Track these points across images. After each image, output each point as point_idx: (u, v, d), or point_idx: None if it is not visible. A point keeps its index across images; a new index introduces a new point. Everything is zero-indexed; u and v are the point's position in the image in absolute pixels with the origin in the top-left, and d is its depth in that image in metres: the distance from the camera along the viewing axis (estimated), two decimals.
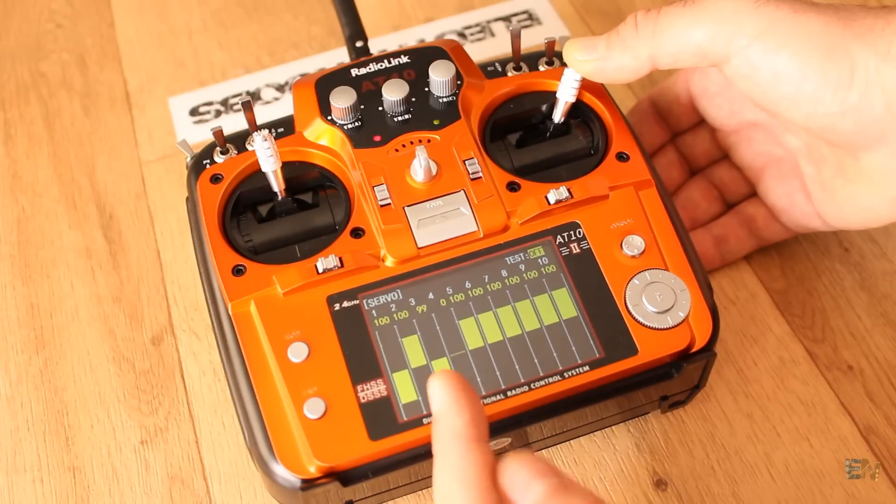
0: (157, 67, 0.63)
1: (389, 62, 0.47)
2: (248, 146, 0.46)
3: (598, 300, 0.41)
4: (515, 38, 0.47)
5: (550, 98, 0.46)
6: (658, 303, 0.40)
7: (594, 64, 0.42)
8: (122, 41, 0.64)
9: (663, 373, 0.41)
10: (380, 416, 0.38)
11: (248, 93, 0.61)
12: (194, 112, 0.60)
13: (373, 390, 0.39)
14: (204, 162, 0.45)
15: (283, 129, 0.46)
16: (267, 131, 0.41)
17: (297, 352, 0.40)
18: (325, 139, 0.45)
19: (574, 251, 0.42)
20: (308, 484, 0.38)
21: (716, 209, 0.50)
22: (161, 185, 0.56)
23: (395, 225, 0.42)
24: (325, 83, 0.46)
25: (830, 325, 0.48)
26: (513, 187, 0.43)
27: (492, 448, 0.40)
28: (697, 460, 0.44)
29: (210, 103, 0.60)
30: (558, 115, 0.46)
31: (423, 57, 0.47)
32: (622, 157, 0.44)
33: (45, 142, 0.59)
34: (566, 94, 0.44)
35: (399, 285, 0.41)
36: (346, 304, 0.41)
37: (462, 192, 0.43)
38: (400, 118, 0.45)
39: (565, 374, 0.39)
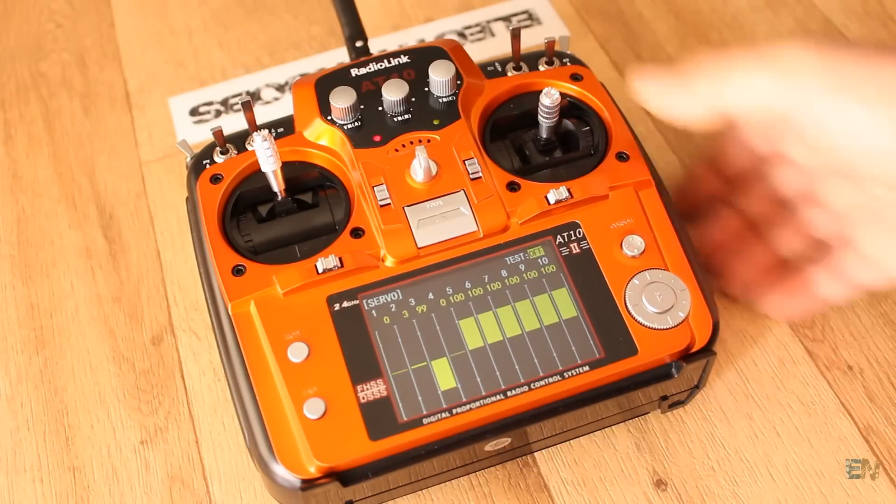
0: (157, 67, 0.63)
1: (389, 62, 0.47)
2: (248, 146, 0.46)
3: (598, 300, 0.41)
4: (515, 38, 0.47)
5: None
6: (658, 303, 0.40)
7: (663, 110, 0.41)
8: (122, 41, 0.64)
9: (663, 373, 0.41)
10: (380, 417, 0.38)
11: (248, 93, 0.61)
12: (194, 112, 0.60)
13: (373, 390, 0.39)
14: (204, 162, 0.46)
15: (283, 129, 0.46)
16: (267, 131, 0.41)
17: (297, 352, 0.40)
18: (324, 139, 0.45)
19: (574, 251, 0.42)
20: (308, 484, 0.38)
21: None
22: (161, 185, 0.56)
23: (395, 225, 0.42)
24: (325, 83, 0.46)
25: (830, 325, 0.48)
26: (513, 187, 0.43)
27: (492, 448, 0.41)
28: (697, 460, 0.44)
29: (210, 103, 0.60)
30: (544, 133, 0.46)
31: (422, 57, 0.47)
32: (622, 157, 0.44)
33: (45, 142, 0.59)
34: (544, 117, 0.45)
35: (399, 285, 0.41)
36: (346, 304, 0.41)
37: (462, 192, 0.43)
38: (400, 118, 0.45)
39: (565, 374, 0.39)
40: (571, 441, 0.45)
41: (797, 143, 0.42)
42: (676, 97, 0.40)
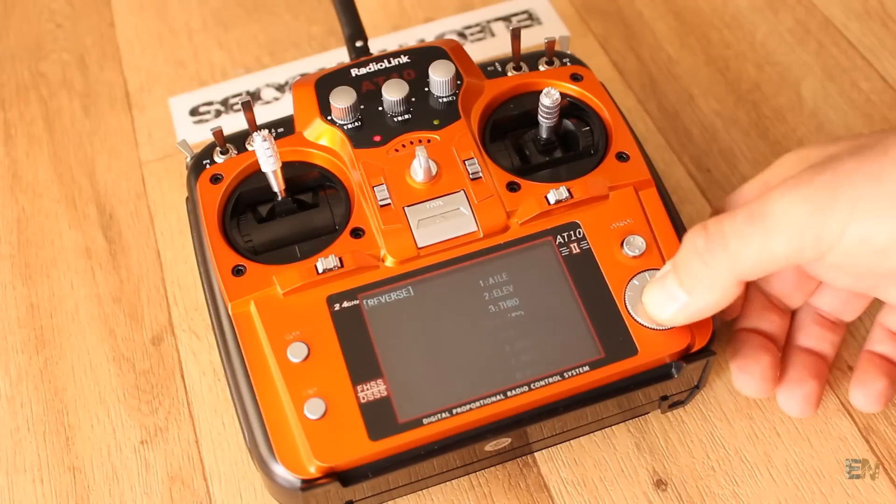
0: (157, 67, 0.63)
1: (389, 62, 0.47)
2: (248, 146, 0.46)
3: (598, 300, 0.41)
4: (515, 38, 0.47)
5: None
6: None
7: (684, 313, 0.38)
8: (122, 41, 0.64)
9: (663, 373, 0.41)
10: (380, 417, 0.38)
11: (248, 93, 0.61)
12: (194, 112, 0.60)
13: (373, 390, 0.39)
14: (204, 162, 0.46)
15: (283, 129, 0.46)
16: (267, 131, 0.41)
17: (297, 352, 0.40)
18: (324, 139, 0.45)
19: (574, 251, 0.42)
20: (308, 484, 0.38)
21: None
22: (161, 185, 0.56)
23: (395, 225, 0.42)
24: (325, 83, 0.46)
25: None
26: (513, 187, 0.43)
27: (492, 448, 0.41)
28: (697, 460, 0.44)
29: (210, 103, 0.60)
30: (543, 133, 0.46)
31: (422, 57, 0.47)
32: (622, 157, 0.44)
33: (45, 142, 0.59)
34: (544, 117, 0.45)
35: (399, 285, 0.41)
36: (346, 304, 0.41)
37: (462, 192, 0.43)
38: (400, 118, 0.45)
39: (565, 374, 0.39)
40: (571, 441, 0.45)
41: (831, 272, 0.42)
42: (696, 298, 0.38)
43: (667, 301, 0.39)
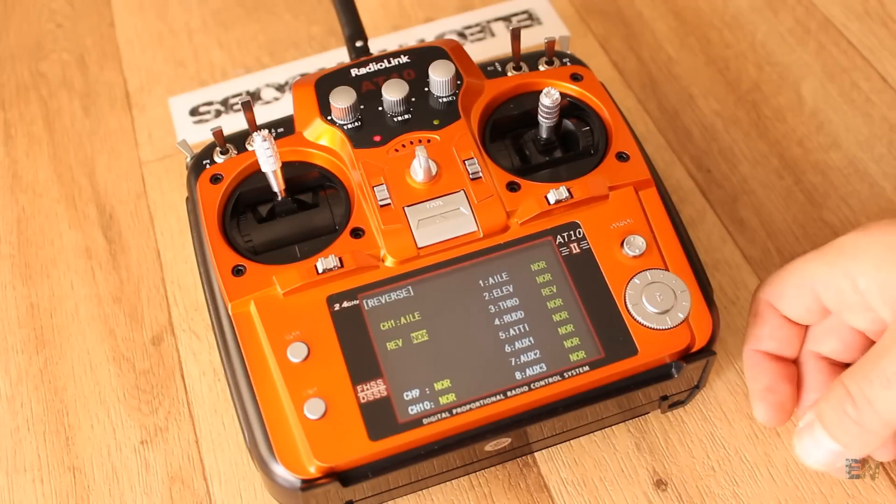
0: (157, 67, 0.63)
1: (389, 62, 0.47)
2: (248, 146, 0.46)
3: (598, 300, 0.41)
4: (515, 38, 0.47)
5: None
6: (658, 303, 0.40)
7: (840, 459, 0.40)
8: (122, 41, 0.64)
9: (663, 373, 0.41)
10: (380, 417, 0.38)
11: (248, 93, 0.61)
12: (194, 112, 0.60)
13: (373, 390, 0.39)
14: (204, 162, 0.46)
15: (283, 129, 0.46)
16: (267, 131, 0.41)
17: (297, 352, 0.40)
18: (324, 139, 0.45)
19: (574, 251, 0.42)
20: (308, 484, 0.38)
21: None
22: (161, 185, 0.56)
23: (395, 225, 0.42)
24: (325, 83, 0.46)
25: None
26: (513, 187, 0.43)
27: (492, 448, 0.41)
28: (697, 460, 0.44)
29: (210, 103, 0.60)
30: (543, 133, 0.46)
31: (422, 57, 0.47)
32: (622, 157, 0.44)
33: (45, 142, 0.59)
34: (544, 117, 0.45)
35: (399, 285, 0.41)
36: (345, 304, 0.41)
37: (462, 192, 0.43)
38: (400, 118, 0.45)
39: (565, 374, 0.39)
40: (571, 441, 0.45)
41: None
42: (847, 446, 0.39)
43: (820, 452, 0.40)
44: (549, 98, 0.44)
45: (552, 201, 0.42)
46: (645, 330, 0.40)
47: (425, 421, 0.38)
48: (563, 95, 0.45)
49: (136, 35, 0.65)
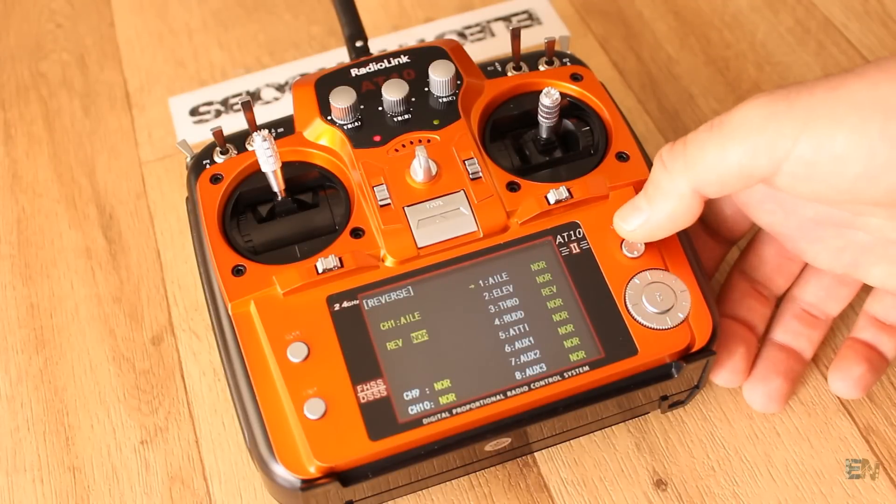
0: (157, 67, 0.63)
1: (389, 62, 0.47)
2: (247, 146, 0.46)
3: (598, 300, 0.41)
4: (515, 38, 0.47)
5: None
6: (658, 303, 0.40)
7: (646, 226, 0.39)
8: (122, 41, 0.64)
9: (663, 373, 0.41)
10: (379, 417, 0.38)
11: (248, 93, 0.61)
12: (194, 112, 0.60)
13: (373, 390, 0.39)
14: (204, 162, 0.46)
15: (283, 129, 0.46)
16: (267, 131, 0.41)
17: (297, 352, 0.40)
18: (324, 139, 0.45)
19: (574, 251, 0.42)
20: (308, 484, 0.38)
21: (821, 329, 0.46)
22: (161, 185, 0.56)
23: (395, 225, 0.42)
24: (325, 83, 0.46)
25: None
26: (513, 187, 0.43)
27: (492, 448, 0.41)
28: (697, 460, 0.44)
29: (210, 103, 0.60)
30: (543, 133, 0.46)
31: (422, 57, 0.47)
32: (622, 156, 0.44)
33: (45, 142, 0.59)
34: (544, 117, 0.45)
35: (399, 285, 0.41)
36: (345, 304, 0.41)
37: (462, 192, 0.43)
38: (400, 118, 0.45)
39: (565, 374, 0.39)
40: (571, 441, 0.45)
41: (769, 204, 0.42)
42: (657, 207, 0.39)
43: (631, 213, 0.40)
44: (549, 98, 0.44)
45: (552, 201, 0.42)
46: (645, 330, 0.40)
47: (425, 421, 0.39)
48: (563, 95, 0.45)
49: (136, 35, 0.65)
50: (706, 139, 0.36)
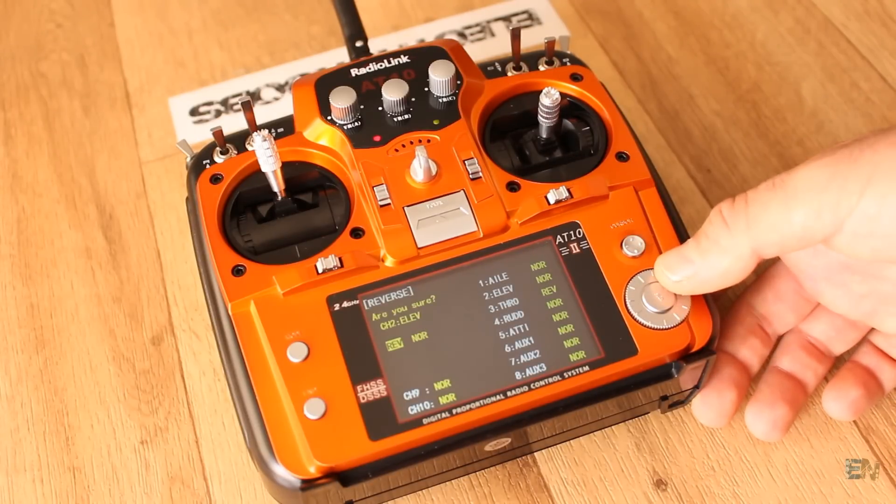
0: (157, 67, 0.63)
1: (389, 62, 0.47)
2: (247, 146, 0.46)
3: (598, 300, 0.41)
4: (515, 38, 0.47)
5: None
6: (658, 303, 0.40)
7: (694, 279, 0.38)
8: (122, 41, 0.64)
9: (663, 373, 0.41)
10: (379, 417, 0.38)
11: (248, 93, 0.61)
12: (194, 112, 0.60)
13: (372, 390, 0.39)
14: (204, 162, 0.46)
15: (283, 129, 0.46)
16: (267, 131, 0.41)
17: (297, 352, 0.40)
18: (324, 139, 0.45)
19: (574, 251, 0.42)
20: (308, 484, 0.38)
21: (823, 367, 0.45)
22: (161, 185, 0.56)
23: (395, 225, 0.42)
24: (325, 83, 0.46)
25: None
26: (512, 187, 0.43)
27: (492, 448, 0.41)
28: (697, 460, 0.44)
29: (210, 103, 0.60)
30: (543, 133, 0.46)
31: (422, 57, 0.47)
32: (622, 156, 0.44)
33: (45, 142, 0.59)
34: (544, 117, 0.45)
35: (399, 285, 0.41)
36: (345, 304, 0.41)
37: (462, 192, 0.43)
38: (400, 118, 0.45)
39: (565, 374, 0.39)
40: (571, 441, 0.45)
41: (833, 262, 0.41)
42: (710, 262, 0.38)
43: (679, 264, 0.39)
44: (548, 98, 0.44)
45: (552, 201, 0.42)
46: (645, 330, 0.40)
47: (425, 421, 0.39)
48: (563, 95, 0.45)
49: (136, 35, 0.65)
50: (770, 198, 0.36)
